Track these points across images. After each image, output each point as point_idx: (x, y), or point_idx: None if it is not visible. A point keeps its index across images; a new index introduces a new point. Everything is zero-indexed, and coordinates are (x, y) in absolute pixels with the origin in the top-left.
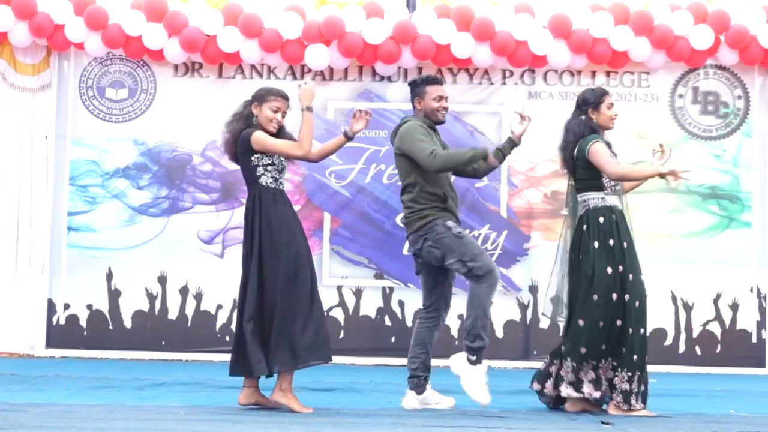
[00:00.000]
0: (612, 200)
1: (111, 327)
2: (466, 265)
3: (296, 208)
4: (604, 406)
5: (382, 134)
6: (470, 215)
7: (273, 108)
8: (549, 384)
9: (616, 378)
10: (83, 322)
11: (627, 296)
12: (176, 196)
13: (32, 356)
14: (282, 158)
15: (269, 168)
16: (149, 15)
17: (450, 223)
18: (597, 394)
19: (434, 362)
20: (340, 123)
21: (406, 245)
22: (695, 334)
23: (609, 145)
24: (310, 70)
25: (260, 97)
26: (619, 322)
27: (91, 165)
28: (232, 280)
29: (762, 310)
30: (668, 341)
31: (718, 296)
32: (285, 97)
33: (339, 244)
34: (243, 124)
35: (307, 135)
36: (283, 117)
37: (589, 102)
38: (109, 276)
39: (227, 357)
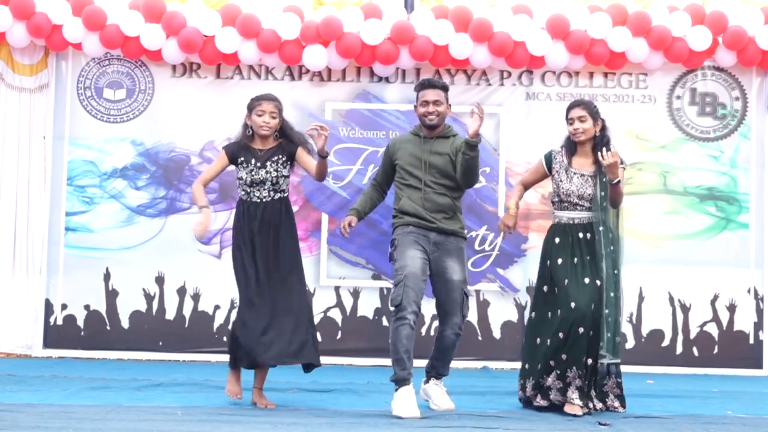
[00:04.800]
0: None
1: (108, 327)
2: None
3: (294, 209)
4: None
5: (380, 135)
6: (468, 216)
7: (258, 113)
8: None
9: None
10: (81, 323)
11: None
12: (174, 197)
13: (29, 356)
14: (252, 172)
15: (239, 182)
16: (147, 15)
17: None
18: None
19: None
20: (338, 124)
21: None
22: (692, 336)
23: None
24: (308, 71)
25: (249, 106)
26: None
27: (89, 165)
28: (229, 281)
29: (759, 311)
30: (665, 342)
31: (716, 297)
32: (268, 99)
33: (337, 244)
34: (239, 135)
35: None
36: (273, 117)
37: None
38: (107, 276)
39: (225, 358)
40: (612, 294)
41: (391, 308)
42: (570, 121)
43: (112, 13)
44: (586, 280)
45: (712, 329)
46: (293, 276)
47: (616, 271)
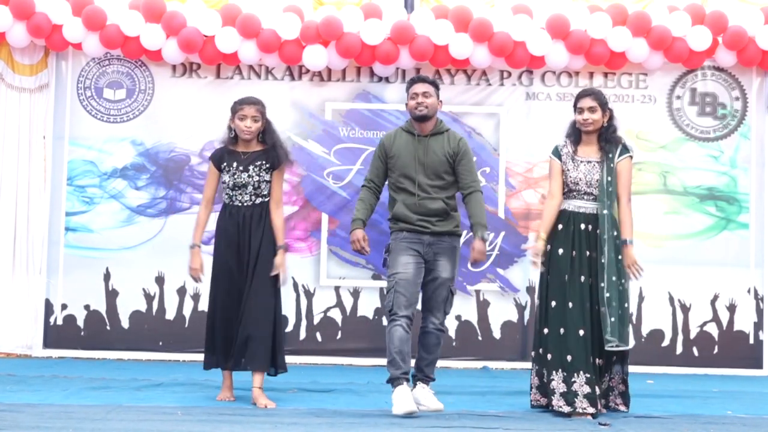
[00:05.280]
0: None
1: (108, 327)
2: None
3: (294, 209)
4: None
5: (380, 135)
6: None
7: (240, 117)
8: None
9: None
10: (81, 323)
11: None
12: (174, 197)
13: (29, 356)
14: (234, 176)
15: (223, 185)
16: (147, 15)
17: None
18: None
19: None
20: (338, 124)
21: None
22: (692, 335)
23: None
24: (308, 71)
25: (232, 109)
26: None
27: (89, 165)
28: None
29: (759, 311)
30: (665, 342)
31: (716, 297)
32: (250, 102)
33: (337, 244)
34: (223, 138)
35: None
36: (256, 121)
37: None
38: (107, 276)
39: None
40: (614, 278)
41: (385, 314)
42: (579, 110)
43: (112, 13)
44: (582, 279)
45: (712, 329)
46: (269, 281)
47: (620, 257)
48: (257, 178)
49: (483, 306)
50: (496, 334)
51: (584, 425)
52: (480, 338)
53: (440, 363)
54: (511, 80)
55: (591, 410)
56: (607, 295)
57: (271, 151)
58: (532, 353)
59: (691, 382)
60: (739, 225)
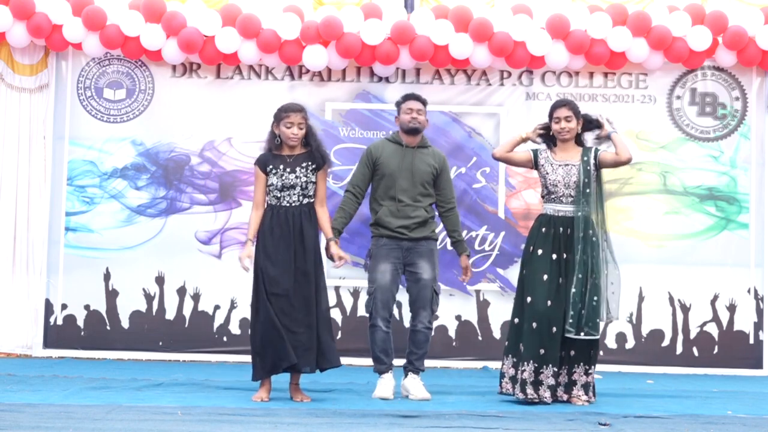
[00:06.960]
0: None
1: (108, 327)
2: None
3: None
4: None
5: (380, 135)
6: (468, 216)
7: (286, 124)
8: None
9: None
10: (81, 323)
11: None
12: (174, 197)
13: (29, 356)
14: (282, 177)
15: (269, 188)
16: (147, 15)
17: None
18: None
19: (432, 363)
20: (338, 124)
21: None
22: (692, 336)
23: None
24: (308, 71)
25: (276, 116)
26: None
27: (89, 165)
28: (229, 281)
29: (759, 311)
30: (666, 342)
31: (716, 297)
32: (296, 110)
33: None
34: (267, 145)
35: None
36: (301, 128)
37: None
38: (107, 276)
39: (225, 357)
40: (580, 276)
41: (366, 314)
42: (557, 120)
43: (112, 13)
44: (561, 280)
45: (712, 329)
46: (318, 279)
47: (585, 257)
48: (304, 179)
49: (483, 306)
50: (496, 334)
51: (584, 425)
52: (480, 338)
53: (440, 363)
54: (511, 80)
55: (549, 401)
56: (573, 290)
57: (314, 153)
58: (506, 344)
59: (691, 382)
60: (739, 225)
